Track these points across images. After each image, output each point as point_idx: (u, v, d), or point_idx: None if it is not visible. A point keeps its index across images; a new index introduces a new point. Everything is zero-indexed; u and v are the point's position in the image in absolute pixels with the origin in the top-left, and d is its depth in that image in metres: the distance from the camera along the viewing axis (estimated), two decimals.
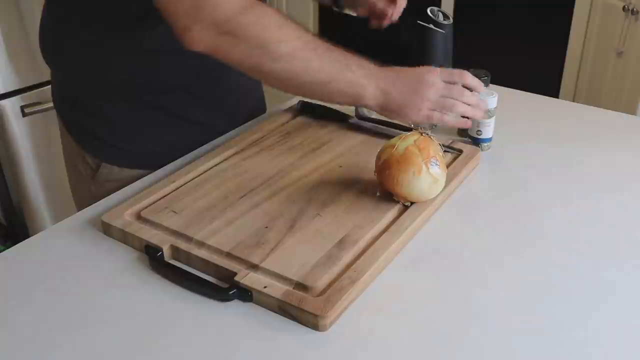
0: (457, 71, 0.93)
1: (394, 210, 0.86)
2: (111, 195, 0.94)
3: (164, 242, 0.80)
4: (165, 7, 0.81)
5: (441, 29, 1.08)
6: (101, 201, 0.93)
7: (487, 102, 1.00)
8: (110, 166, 1.04)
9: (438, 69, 0.91)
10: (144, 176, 0.99)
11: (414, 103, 0.90)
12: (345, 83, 0.87)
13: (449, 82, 0.91)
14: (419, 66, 0.94)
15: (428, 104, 0.90)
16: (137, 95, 0.99)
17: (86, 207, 0.91)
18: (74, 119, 1.06)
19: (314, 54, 0.85)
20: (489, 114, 1.03)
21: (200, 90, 1.04)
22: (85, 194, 1.08)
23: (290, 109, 1.17)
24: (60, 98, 1.08)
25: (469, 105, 0.93)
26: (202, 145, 1.07)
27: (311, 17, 3.68)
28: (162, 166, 1.01)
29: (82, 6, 0.96)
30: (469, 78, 0.93)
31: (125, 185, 0.97)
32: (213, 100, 1.07)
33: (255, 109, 1.20)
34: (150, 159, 1.03)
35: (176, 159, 1.03)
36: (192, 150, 1.05)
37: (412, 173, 0.83)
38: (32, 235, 0.86)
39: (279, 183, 0.93)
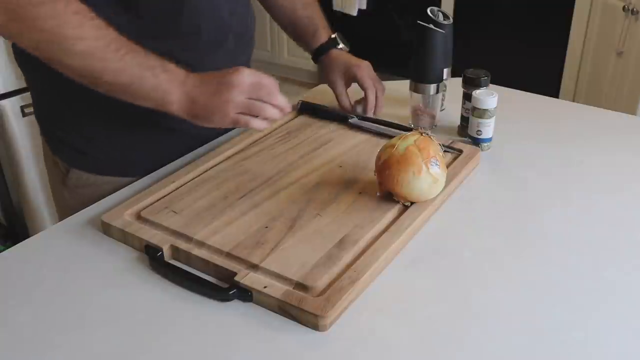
0: (265, 76, 0.87)
1: (394, 210, 0.86)
2: (111, 196, 0.94)
3: (164, 242, 0.80)
4: None
5: (441, 29, 1.08)
6: (101, 201, 0.93)
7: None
8: (79, 171, 1.02)
9: (246, 70, 0.86)
10: (116, 183, 0.98)
11: (219, 107, 0.85)
12: (148, 87, 0.84)
13: (257, 83, 0.86)
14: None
15: (234, 106, 0.85)
16: (104, 103, 0.95)
17: (63, 213, 0.90)
18: (44, 123, 1.04)
19: (114, 55, 0.81)
20: (488, 114, 1.03)
21: None
22: (59, 198, 1.06)
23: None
24: (33, 100, 1.06)
25: (275, 107, 0.88)
26: (177, 151, 1.04)
27: None
28: (134, 174, 0.99)
29: None
30: (276, 96, 0.88)
31: (98, 192, 0.96)
32: None
33: None
34: (119, 166, 1.01)
35: (148, 166, 1.00)
36: (166, 158, 1.03)
37: (412, 173, 0.83)
38: (32, 235, 0.86)
39: (279, 183, 0.93)
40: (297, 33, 1.18)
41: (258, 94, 0.86)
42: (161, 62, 0.84)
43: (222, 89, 0.85)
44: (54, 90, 0.98)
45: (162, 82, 0.84)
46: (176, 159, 1.03)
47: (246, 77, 0.85)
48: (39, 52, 0.81)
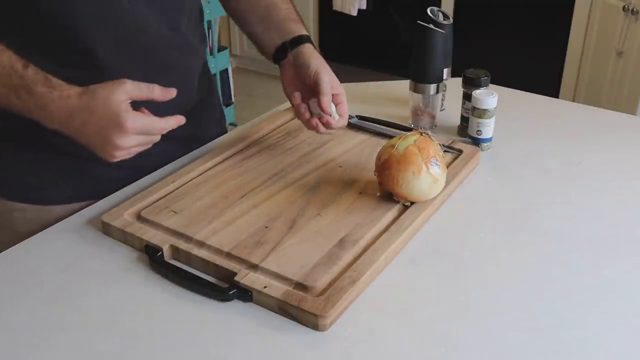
0: (156, 119, 0.80)
1: (394, 210, 0.86)
2: (111, 195, 0.94)
3: (164, 242, 0.80)
4: None
5: (441, 29, 1.08)
6: (101, 201, 0.93)
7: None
8: None
9: (131, 113, 0.77)
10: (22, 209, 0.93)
11: (105, 149, 0.79)
12: (19, 109, 0.79)
13: (148, 126, 0.79)
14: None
15: (122, 152, 0.79)
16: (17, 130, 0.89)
17: None
18: None
19: None
20: (488, 114, 1.03)
21: None
22: None
23: (290, 109, 1.17)
24: None
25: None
26: (115, 180, 0.96)
27: (311, 17, 3.68)
28: (41, 201, 0.94)
29: None
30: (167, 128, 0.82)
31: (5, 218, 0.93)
32: None
33: None
34: (25, 191, 0.95)
35: (61, 193, 0.95)
36: (99, 187, 0.95)
37: (412, 173, 0.83)
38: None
39: (279, 183, 0.93)
40: (271, 21, 1.03)
41: (149, 134, 0.80)
42: (28, 82, 0.77)
43: (111, 132, 0.77)
44: None
45: (28, 105, 0.78)
46: (115, 191, 0.95)
47: (137, 121, 0.77)
48: None
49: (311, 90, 0.95)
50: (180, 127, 0.85)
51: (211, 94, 1.14)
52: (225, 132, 1.16)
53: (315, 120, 0.94)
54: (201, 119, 1.08)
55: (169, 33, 0.95)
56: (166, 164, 1.02)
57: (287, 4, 1.05)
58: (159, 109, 0.82)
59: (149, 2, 0.90)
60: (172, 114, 0.83)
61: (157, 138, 0.82)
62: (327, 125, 0.94)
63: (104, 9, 0.85)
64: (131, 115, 0.77)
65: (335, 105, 0.95)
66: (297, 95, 0.96)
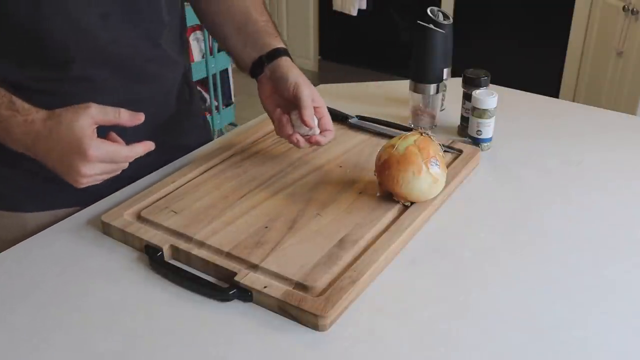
0: (121, 147, 0.79)
1: (394, 210, 0.86)
2: (111, 195, 0.94)
3: (164, 242, 0.80)
4: None
5: (441, 29, 1.08)
6: (101, 201, 0.93)
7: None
8: None
9: (95, 141, 0.75)
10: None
11: (70, 175, 0.78)
12: None
13: (113, 154, 0.78)
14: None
15: (86, 179, 0.78)
16: None
17: None
18: None
19: None
20: (488, 114, 1.03)
21: None
22: None
23: None
24: None
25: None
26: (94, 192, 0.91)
27: (311, 17, 3.68)
28: (21, 209, 0.93)
29: None
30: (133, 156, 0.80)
31: None
32: None
33: None
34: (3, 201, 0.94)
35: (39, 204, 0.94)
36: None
37: (412, 173, 0.83)
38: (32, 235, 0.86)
39: (278, 183, 0.93)
40: (248, 35, 1.00)
41: (113, 162, 0.79)
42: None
43: (73, 159, 0.76)
44: None
45: None
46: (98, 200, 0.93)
47: (101, 149, 0.76)
48: None
49: (291, 104, 0.92)
50: (161, 136, 0.83)
51: (192, 103, 1.12)
52: (211, 139, 1.14)
53: (296, 136, 0.92)
54: (182, 127, 1.07)
55: (146, 46, 0.94)
56: (147, 174, 0.99)
57: (264, 16, 1.02)
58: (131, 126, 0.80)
59: (124, 17, 0.89)
60: (149, 124, 0.81)
61: (125, 165, 0.81)
62: (316, 143, 0.93)
63: (76, 23, 0.84)
64: (95, 143, 0.75)
65: (318, 120, 0.93)
66: (278, 111, 0.94)
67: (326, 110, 0.95)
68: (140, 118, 0.80)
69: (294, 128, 0.93)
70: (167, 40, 0.97)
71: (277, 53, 0.96)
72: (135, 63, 0.93)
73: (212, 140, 1.13)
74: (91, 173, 0.77)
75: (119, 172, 0.81)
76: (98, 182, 0.80)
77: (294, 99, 0.91)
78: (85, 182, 0.78)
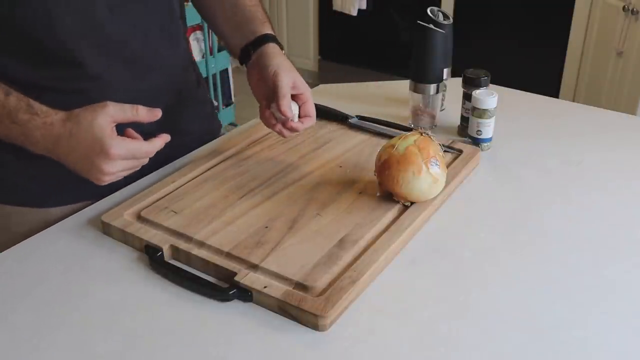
0: (142, 142, 0.80)
1: (394, 210, 0.86)
2: (111, 195, 0.94)
3: (164, 242, 0.80)
4: None
5: (441, 29, 1.08)
6: (101, 201, 0.93)
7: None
8: None
9: (117, 139, 0.77)
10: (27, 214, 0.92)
11: (91, 173, 0.79)
12: (4, 137, 0.79)
13: (134, 151, 0.79)
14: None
15: (108, 176, 0.80)
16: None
17: None
18: None
19: None
20: (488, 114, 1.03)
21: None
22: None
23: None
24: None
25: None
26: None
27: (311, 17, 3.68)
28: (41, 205, 0.94)
29: None
30: (153, 152, 0.82)
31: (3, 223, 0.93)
32: None
33: None
34: (26, 197, 0.94)
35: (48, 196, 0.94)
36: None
37: (412, 173, 0.83)
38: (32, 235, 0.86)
39: (279, 183, 0.93)
40: (236, 22, 1.01)
41: (135, 158, 0.80)
42: (10, 110, 0.77)
43: (95, 158, 0.77)
44: None
45: (16, 135, 0.78)
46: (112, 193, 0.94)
47: (122, 147, 0.77)
48: None
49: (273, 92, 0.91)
50: (170, 123, 0.83)
51: (199, 87, 1.13)
52: (220, 125, 1.15)
53: (278, 126, 0.92)
54: (190, 113, 1.07)
55: (153, 33, 0.94)
56: (162, 161, 1.00)
57: (252, 0, 1.02)
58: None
59: (129, 11, 0.89)
60: (162, 113, 0.83)
61: (145, 161, 0.82)
62: (291, 129, 0.92)
63: (82, 20, 0.85)
64: (116, 142, 0.77)
65: (300, 105, 0.92)
66: (263, 104, 0.93)
67: (309, 95, 0.93)
68: (157, 114, 0.82)
69: (275, 117, 0.92)
70: (172, 21, 0.99)
71: (264, 39, 0.96)
72: (144, 52, 0.94)
73: (221, 127, 1.14)
74: (114, 171, 0.79)
75: (138, 168, 0.83)
76: (120, 179, 0.82)
77: (274, 87, 0.90)
78: (107, 180, 0.80)
